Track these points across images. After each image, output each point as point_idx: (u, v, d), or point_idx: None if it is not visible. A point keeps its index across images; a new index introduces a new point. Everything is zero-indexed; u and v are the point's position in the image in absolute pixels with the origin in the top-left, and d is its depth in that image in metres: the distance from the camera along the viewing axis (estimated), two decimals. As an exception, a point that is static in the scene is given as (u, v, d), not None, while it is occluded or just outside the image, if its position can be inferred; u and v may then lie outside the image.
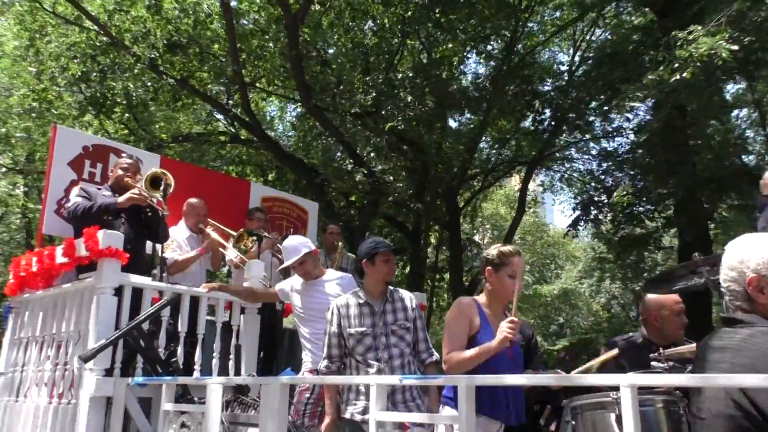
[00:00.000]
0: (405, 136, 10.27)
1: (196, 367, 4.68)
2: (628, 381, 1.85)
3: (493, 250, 3.36)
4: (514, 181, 20.16)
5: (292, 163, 9.47)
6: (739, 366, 1.75)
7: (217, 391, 3.33)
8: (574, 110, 10.35)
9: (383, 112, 8.17)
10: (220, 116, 10.95)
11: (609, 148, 13.19)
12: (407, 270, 14.37)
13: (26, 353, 5.04)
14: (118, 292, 4.37)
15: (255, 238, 6.13)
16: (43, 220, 5.77)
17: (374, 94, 8.29)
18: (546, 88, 12.09)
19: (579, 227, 12.78)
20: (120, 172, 5.34)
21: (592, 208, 12.05)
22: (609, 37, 12.02)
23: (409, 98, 8.14)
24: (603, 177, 12.61)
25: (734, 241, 1.95)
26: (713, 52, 6.16)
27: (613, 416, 2.56)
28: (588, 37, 12.81)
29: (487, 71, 12.71)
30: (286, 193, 8.53)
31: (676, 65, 6.50)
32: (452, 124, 13.35)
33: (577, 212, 12.34)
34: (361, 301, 3.76)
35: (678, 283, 3.18)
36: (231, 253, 6.04)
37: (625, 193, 11.98)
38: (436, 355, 3.85)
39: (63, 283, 4.95)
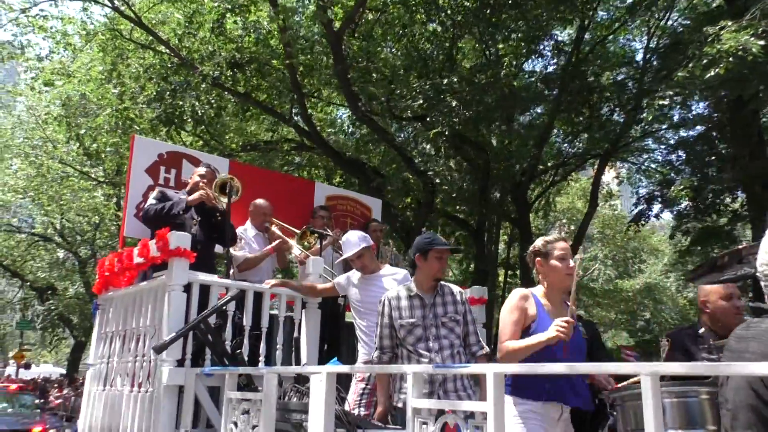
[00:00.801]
0: (465, 136, 10.25)
1: (261, 358, 4.89)
2: (648, 370, 1.84)
3: (537, 242, 3.38)
4: (592, 174, 19.60)
5: (350, 168, 9.65)
6: (759, 355, 1.70)
7: (272, 380, 3.48)
8: (648, 97, 9.99)
9: (428, 119, 8.18)
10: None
11: (689, 138, 12.63)
12: (471, 267, 14.30)
13: (111, 346, 5.39)
14: (187, 288, 4.63)
15: (317, 235, 6.33)
16: (124, 224, 6.17)
17: (420, 101, 8.35)
18: (620, 77, 11.69)
19: (642, 222, 12.31)
20: (197, 178, 5.63)
21: (656, 201, 11.58)
22: (682, 22, 11.48)
23: (454, 103, 8.13)
24: (682, 167, 12.07)
25: None
26: (741, 48, 5.87)
27: (649, 406, 2.52)
28: (663, 23, 12.26)
29: (557, 64, 12.47)
30: (349, 191, 8.68)
31: (705, 61, 6.22)
32: (522, 119, 13.14)
33: (641, 206, 11.89)
34: (412, 294, 3.84)
35: (726, 272, 3.06)
36: (296, 251, 6.25)
37: (682, 186, 11.45)
38: (486, 348, 3.87)
39: (142, 281, 5.29)
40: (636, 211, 12.27)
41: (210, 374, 4.28)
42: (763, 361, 1.64)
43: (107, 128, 10.17)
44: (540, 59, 13.07)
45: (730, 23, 6.38)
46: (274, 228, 6.32)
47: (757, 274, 1.87)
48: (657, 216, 12.16)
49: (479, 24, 8.64)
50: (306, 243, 6.44)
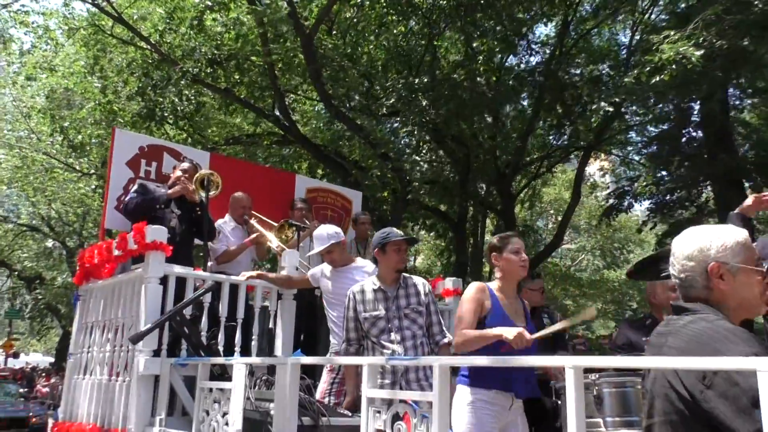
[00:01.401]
0: (445, 131, 10.37)
1: (236, 348, 4.97)
2: (571, 363, 1.94)
3: (493, 238, 3.53)
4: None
5: (328, 162, 9.76)
6: (674, 349, 1.81)
7: (240, 370, 3.58)
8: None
9: (399, 117, 8.30)
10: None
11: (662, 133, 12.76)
12: (452, 258, 14.44)
13: (91, 336, 5.47)
14: (164, 281, 4.70)
15: (295, 228, 6.40)
16: (104, 216, 6.21)
17: (392, 100, 8.47)
18: (605, 70, 11.77)
19: (612, 217, 12.47)
20: (179, 173, 5.69)
21: (627, 196, 11.74)
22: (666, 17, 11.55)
23: (425, 102, 8.24)
24: (647, 164, 12.23)
25: (687, 232, 1.98)
26: (681, 57, 6.05)
27: (591, 396, 2.64)
28: (647, 17, 12.28)
29: (542, 57, 12.55)
30: (330, 184, 8.63)
31: (648, 68, 6.39)
32: (506, 110, 13.18)
33: (612, 201, 12.06)
34: (375, 287, 3.94)
35: (663, 269, 3.18)
36: (274, 243, 6.32)
37: (645, 183, 11.64)
38: (449, 337, 3.98)
39: (121, 272, 5.36)
40: (607, 205, 12.45)
41: (184, 364, 4.37)
42: (678, 355, 1.75)
43: (91, 121, 10.20)
44: (524, 54, 13.20)
45: (672, 33, 6.56)
46: (252, 221, 6.38)
47: (673, 277, 1.97)
48: (626, 210, 12.32)
49: (454, 22, 8.74)
50: (284, 236, 6.50)
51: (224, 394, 3.74)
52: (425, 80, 8.36)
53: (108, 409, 4.83)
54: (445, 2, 8.55)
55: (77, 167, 14.18)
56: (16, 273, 23.50)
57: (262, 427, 3.43)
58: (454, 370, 3.56)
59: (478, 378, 3.16)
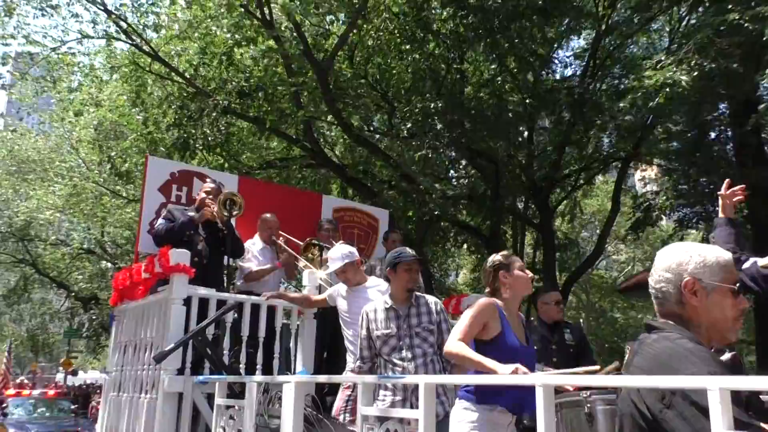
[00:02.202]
0: (473, 148, 10.36)
1: (258, 367, 5.05)
2: (541, 381, 1.93)
3: (495, 257, 3.41)
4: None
5: (354, 184, 9.88)
6: (637, 368, 1.78)
7: (252, 388, 3.64)
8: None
9: (414, 143, 8.37)
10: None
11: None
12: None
13: (125, 355, 5.65)
14: (187, 301, 4.84)
15: (319, 247, 6.48)
16: (138, 239, 6.40)
17: (409, 125, 8.55)
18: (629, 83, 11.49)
19: (639, 231, 12.12)
20: (203, 194, 5.85)
21: (655, 209, 11.40)
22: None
23: (439, 126, 8.28)
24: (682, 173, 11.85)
25: (671, 246, 1.96)
26: (669, 81, 5.93)
27: (582, 413, 2.59)
28: (686, 24, 11.94)
29: (574, 70, 12.35)
30: (356, 203, 8.66)
31: (639, 94, 6.29)
32: (541, 123, 12.99)
33: (638, 214, 11.72)
34: (387, 306, 3.95)
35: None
36: (301, 263, 6.41)
37: (666, 196, 11.25)
38: None
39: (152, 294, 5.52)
40: (634, 218, 12.11)
41: (205, 382, 4.47)
42: (640, 374, 1.72)
43: (135, 150, 10.65)
44: (558, 67, 13.03)
45: (663, 57, 6.46)
46: (280, 241, 6.49)
47: (650, 288, 1.93)
48: (653, 224, 11.96)
49: (475, 45, 8.76)
50: (310, 255, 6.57)
51: (238, 411, 3.81)
52: (440, 104, 8.39)
53: (137, 425, 4.97)
54: (462, 29, 8.59)
55: (124, 194, 14.77)
56: (73, 294, 24.33)
57: (271, 443, 3.48)
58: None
59: (480, 396, 3.10)
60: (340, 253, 4.77)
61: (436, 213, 8.96)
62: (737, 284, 1.75)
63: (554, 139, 11.52)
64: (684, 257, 1.81)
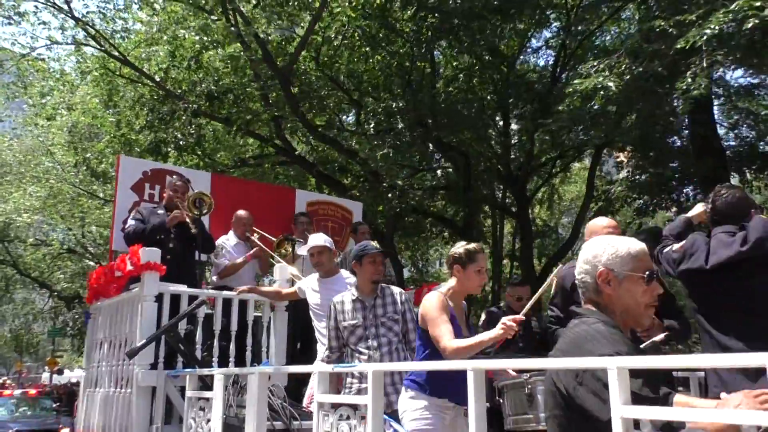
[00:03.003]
0: (446, 141, 10.48)
1: (231, 359, 5.12)
2: (472, 365, 2.04)
3: (459, 249, 3.45)
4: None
5: (325, 180, 10.00)
6: (558, 350, 1.91)
7: (219, 380, 3.72)
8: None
9: (376, 142, 8.52)
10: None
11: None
12: None
13: (100, 351, 5.68)
14: (159, 298, 4.89)
15: (292, 242, 6.54)
16: (112, 238, 6.41)
17: (373, 124, 8.71)
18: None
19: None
20: (171, 192, 5.84)
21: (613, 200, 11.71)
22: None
23: (401, 125, 8.43)
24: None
25: (592, 239, 2.08)
26: (599, 87, 6.14)
27: (524, 393, 2.72)
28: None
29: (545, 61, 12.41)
30: (329, 196, 8.71)
31: (575, 97, 6.50)
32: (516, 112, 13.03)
33: (600, 204, 11.93)
34: (354, 298, 4.04)
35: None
36: (276, 258, 6.47)
37: (621, 187, 11.53)
38: None
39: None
40: (596, 208, 12.32)
41: (176, 376, 4.54)
42: (560, 356, 1.85)
43: (110, 151, 10.65)
44: (530, 57, 13.13)
45: (595, 63, 6.65)
46: (254, 237, 6.53)
47: (576, 281, 2.05)
48: (614, 213, 12.16)
49: (435, 44, 8.90)
50: (283, 249, 6.64)
51: (207, 402, 3.89)
52: (401, 104, 8.52)
53: (112, 419, 5.02)
54: (424, 29, 8.72)
55: (101, 194, 14.71)
56: (56, 293, 24.11)
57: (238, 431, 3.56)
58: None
59: (428, 386, 3.19)
60: (322, 237, 4.83)
61: (398, 208, 9.08)
62: (647, 272, 1.87)
63: (526, 128, 11.63)
64: (599, 249, 1.93)
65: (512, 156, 12.51)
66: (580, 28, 10.34)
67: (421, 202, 11.19)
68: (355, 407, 2.63)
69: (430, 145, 10.91)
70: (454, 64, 11.05)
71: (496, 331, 2.97)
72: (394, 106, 8.48)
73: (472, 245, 3.51)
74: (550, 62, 12.54)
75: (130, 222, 5.66)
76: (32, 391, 17.41)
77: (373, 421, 2.38)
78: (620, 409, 1.49)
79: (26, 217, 15.87)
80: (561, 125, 7.85)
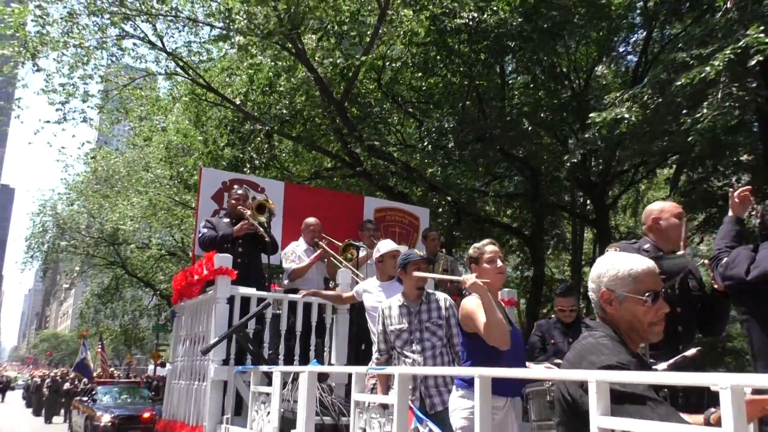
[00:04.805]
0: (513, 154, 10.44)
1: (296, 358, 5.35)
2: (479, 373, 2.11)
3: (470, 250, 3.55)
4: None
5: (388, 192, 10.21)
6: (567, 361, 1.94)
7: (277, 377, 3.93)
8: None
9: (427, 160, 8.58)
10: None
11: None
12: (530, 272, 14.17)
13: (183, 347, 6.10)
14: (231, 300, 5.19)
15: (356, 248, 6.70)
16: (194, 244, 6.86)
17: (426, 142, 8.83)
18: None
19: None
20: (233, 201, 6.07)
21: None
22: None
23: (451, 144, 8.46)
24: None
25: (600, 258, 2.11)
26: (619, 117, 5.90)
27: (546, 400, 2.72)
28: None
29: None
30: (397, 203, 8.71)
31: (597, 128, 6.33)
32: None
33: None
34: (401, 303, 4.15)
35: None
36: (343, 263, 6.66)
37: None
38: None
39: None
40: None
41: (244, 371, 4.81)
42: (569, 367, 1.88)
43: (200, 166, 11.46)
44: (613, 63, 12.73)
45: (618, 94, 6.44)
46: (322, 242, 6.73)
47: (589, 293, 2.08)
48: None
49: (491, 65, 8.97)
50: (349, 254, 6.80)
51: (268, 397, 4.12)
52: (453, 124, 8.60)
53: (190, 408, 5.38)
54: (480, 52, 8.76)
55: (192, 205, 15.79)
56: (159, 292, 25.67)
57: (293, 425, 3.75)
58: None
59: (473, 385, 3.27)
60: (396, 244, 4.94)
61: (455, 222, 9.11)
62: (647, 294, 1.85)
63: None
64: (602, 269, 1.92)
65: (592, 163, 12.15)
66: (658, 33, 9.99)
67: (487, 212, 11.15)
68: (385, 407, 2.74)
69: (497, 154, 10.86)
70: (519, 79, 10.99)
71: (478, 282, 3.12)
72: (446, 125, 8.57)
73: (482, 242, 3.56)
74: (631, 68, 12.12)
75: (202, 230, 5.96)
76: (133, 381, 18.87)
77: (398, 419, 2.48)
78: (598, 420, 1.52)
79: (129, 225, 17.15)
80: (589, 147, 7.71)
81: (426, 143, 9.01)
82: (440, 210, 9.58)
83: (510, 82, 11.04)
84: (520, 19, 8.22)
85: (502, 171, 12.85)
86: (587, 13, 9.15)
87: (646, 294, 1.83)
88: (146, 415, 11.73)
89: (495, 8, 8.36)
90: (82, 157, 19.56)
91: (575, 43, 10.30)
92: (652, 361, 2.97)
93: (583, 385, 1.75)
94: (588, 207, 13.82)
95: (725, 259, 3.00)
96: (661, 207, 3.44)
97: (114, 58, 10.62)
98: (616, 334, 1.89)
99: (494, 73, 9.83)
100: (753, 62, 4.83)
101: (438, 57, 9.25)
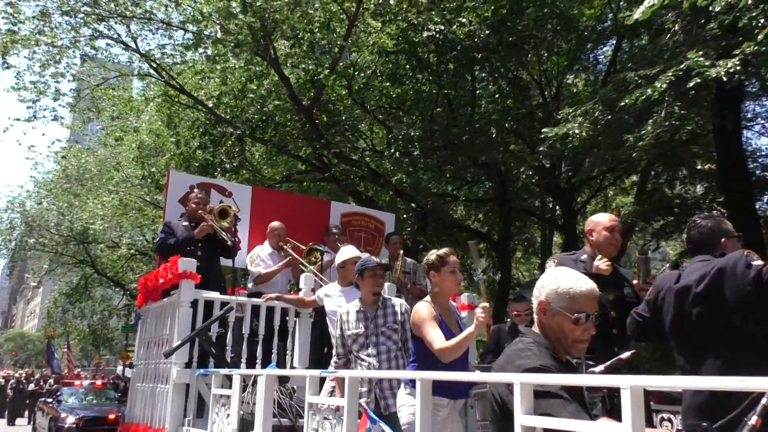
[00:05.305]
0: (483, 161, 10.60)
1: (258, 361, 5.39)
2: (420, 376, 2.20)
3: (431, 256, 3.62)
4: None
5: (356, 197, 10.33)
6: (497, 364, 2.06)
7: (237, 379, 3.99)
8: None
9: (393, 167, 8.76)
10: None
11: None
12: (498, 277, 14.39)
13: (147, 350, 6.09)
14: (194, 304, 5.21)
15: (320, 252, 6.75)
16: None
17: (392, 149, 9.01)
18: None
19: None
20: (193, 205, 6.06)
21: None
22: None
23: (416, 152, 8.64)
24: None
25: (551, 268, 2.23)
26: (569, 133, 6.18)
27: (488, 402, 2.84)
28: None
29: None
30: (363, 208, 8.76)
31: (549, 143, 6.63)
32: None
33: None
34: (358, 309, 4.24)
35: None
36: (308, 267, 6.70)
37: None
38: None
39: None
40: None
41: (205, 374, 4.84)
42: (498, 370, 2.00)
43: (172, 166, 11.39)
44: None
45: (570, 110, 6.72)
46: (287, 246, 6.76)
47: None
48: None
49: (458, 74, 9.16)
50: (313, 258, 6.85)
51: (228, 399, 4.16)
52: (419, 133, 8.79)
53: (153, 411, 5.37)
54: (448, 62, 8.96)
55: (162, 205, 15.71)
56: (129, 292, 25.29)
57: (252, 426, 3.80)
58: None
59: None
60: (358, 251, 5.01)
61: (417, 225, 9.28)
62: (576, 315, 1.93)
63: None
64: (547, 281, 2.04)
65: (563, 169, 12.35)
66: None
67: (457, 217, 11.30)
68: (336, 408, 2.81)
69: (466, 160, 11.02)
70: (490, 88, 11.20)
71: (475, 324, 3.17)
72: (412, 133, 8.73)
73: (443, 250, 3.66)
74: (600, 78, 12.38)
75: (160, 235, 5.97)
76: (98, 383, 18.56)
77: (348, 420, 2.56)
78: (521, 418, 1.63)
79: (99, 224, 16.94)
80: (541, 161, 7.95)
81: (393, 150, 9.16)
82: (404, 216, 9.71)
83: (479, 91, 11.24)
84: (487, 32, 8.42)
85: (470, 177, 13.02)
86: (558, 23, 9.38)
87: (576, 314, 1.93)
88: (111, 416, 11.61)
89: (463, 20, 8.53)
90: (52, 155, 19.28)
91: (545, 53, 10.52)
92: (591, 363, 3.13)
93: (509, 386, 1.86)
94: (557, 212, 14.06)
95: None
96: (596, 221, 3.59)
97: (87, 57, 10.51)
98: (546, 340, 2.00)
99: (464, 81, 10.03)
100: (691, 84, 5.05)
101: (408, 66, 9.40)
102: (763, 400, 1.89)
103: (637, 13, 3.39)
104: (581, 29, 10.00)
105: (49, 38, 9.68)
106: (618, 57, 10.99)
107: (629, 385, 1.42)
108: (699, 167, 11.24)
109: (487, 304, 3.22)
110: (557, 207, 13.67)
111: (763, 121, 12.94)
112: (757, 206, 10.30)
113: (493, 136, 9.28)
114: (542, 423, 1.63)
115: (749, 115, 12.83)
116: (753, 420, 1.89)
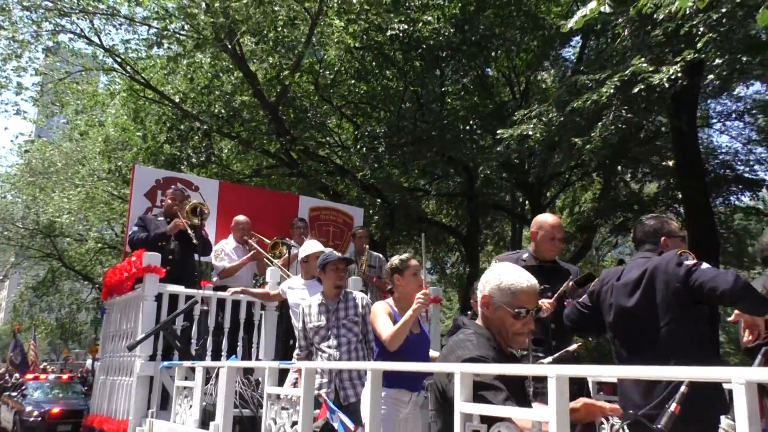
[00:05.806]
0: (451, 156, 10.70)
1: (223, 354, 5.40)
2: (371, 366, 2.26)
3: (394, 260, 3.74)
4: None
5: (326, 191, 10.38)
6: (440, 355, 2.15)
7: (199, 371, 4.01)
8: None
9: (360, 163, 8.84)
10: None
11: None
12: (466, 271, 14.58)
13: (112, 343, 6.04)
14: (159, 298, 5.20)
15: (286, 246, 6.75)
16: (126, 241, 6.77)
17: (359, 145, 9.09)
18: None
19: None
20: (170, 201, 6.04)
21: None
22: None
23: (381, 149, 8.74)
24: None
25: (497, 264, 2.30)
26: (523, 134, 6.38)
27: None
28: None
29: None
30: (332, 202, 8.78)
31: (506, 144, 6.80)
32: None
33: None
34: (320, 302, 4.29)
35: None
36: (273, 261, 6.70)
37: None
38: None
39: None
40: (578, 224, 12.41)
41: (169, 367, 4.84)
42: (441, 360, 2.09)
43: (140, 160, 11.23)
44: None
45: (525, 111, 6.92)
46: (251, 240, 6.73)
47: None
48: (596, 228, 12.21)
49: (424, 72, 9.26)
50: (278, 251, 6.83)
51: (191, 390, 4.18)
52: (384, 129, 8.87)
53: (117, 403, 5.36)
54: (414, 60, 9.04)
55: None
56: (97, 285, 24.82)
57: (213, 417, 3.83)
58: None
59: (386, 379, 3.44)
60: (321, 245, 5.04)
61: (384, 220, 9.37)
62: (516, 310, 2.03)
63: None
64: (491, 276, 2.12)
65: (532, 165, 12.48)
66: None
67: (427, 211, 11.40)
68: (295, 399, 2.86)
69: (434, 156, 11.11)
70: (457, 85, 11.30)
71: (413, 307, 3.33)
72: (378, 130, 8.80)
73: (404, 255, 3.79)
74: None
75: (133, 228, 5.93)
76: (65, 377, 18.23)
77: (304, 410, 2.61)
78: (460, 405, 1.71)
79: (66, 218, 16.60)
80: (497, 161, 8.14)
81: (360, 146, 9.21)
82: (371, 211, 9.78)
83: (446, 87, 11.34)
84: (452, 30, 8.50)
85: (440, 172, 13.13)
86: (525, 22, 9.50)
87: (517, 309, 2.02)
88: (77, 410, 11.47)
89: (429, 18, 8.60)
90: (15, 149, 18.84)
91: (513, 50, 10.63)
92: (540, 355, 3.24)
93: (448, 375, 1.94)
94: (526, 207, 14.26)
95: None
96: (541, 222, 3.71)
97: (50, 51, 10.30)
98: (488, 332, 2.08)
99: (433, 77, 10.11)
100: (635, 90, 5.20)
101: (374, 63, 9.43)
102: (682, 388, 2.01)
103: (571, 22, 3.48)
104: (547, 27, 10.13)
105: (10, 32, 9.44)
106: (585, 54, 11.19)
107: (555, 374, 1.51)
108: (661, 164, 11.50)
109: (427, 291, 3.39)
110: (526, 202, 13.85)
111: (723, 120, 13.30)
112: (716, 203, 10.64)
113: (460, 134, 9.39)
114: (479, 410, 1.71)
115: (710, 113, 13.16)
116: (672, 407, 2.01)
